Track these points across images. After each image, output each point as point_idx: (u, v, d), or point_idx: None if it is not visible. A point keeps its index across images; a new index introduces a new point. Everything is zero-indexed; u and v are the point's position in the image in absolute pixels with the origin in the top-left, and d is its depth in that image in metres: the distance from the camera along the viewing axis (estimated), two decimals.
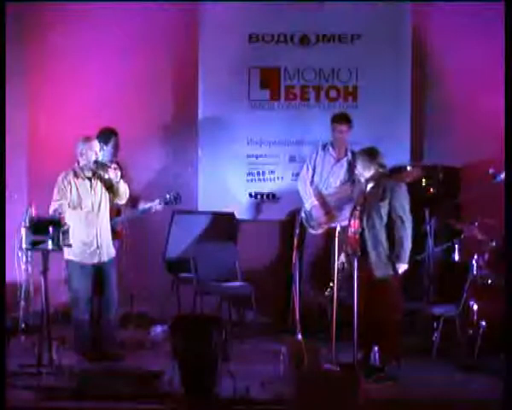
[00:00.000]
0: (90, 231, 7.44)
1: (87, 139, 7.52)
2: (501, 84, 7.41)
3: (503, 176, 7.58)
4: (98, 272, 7.48)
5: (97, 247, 7.44)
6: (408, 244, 7.05)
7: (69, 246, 7.12)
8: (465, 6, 8.93)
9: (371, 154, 7.17)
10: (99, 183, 7.45)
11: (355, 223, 7.09)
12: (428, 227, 8.14)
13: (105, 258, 7.48)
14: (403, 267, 7.05)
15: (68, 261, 7.50)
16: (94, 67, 9.29)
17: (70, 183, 7.45)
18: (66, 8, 9.18)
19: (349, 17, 9.19)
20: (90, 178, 7.47)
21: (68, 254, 7.42)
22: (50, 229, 7.04)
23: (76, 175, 7.48)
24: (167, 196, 7.77)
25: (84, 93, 9.27)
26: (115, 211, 7.88)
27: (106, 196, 7.49)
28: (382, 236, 7.05)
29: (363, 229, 7.07)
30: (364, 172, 7.13)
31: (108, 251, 7.54)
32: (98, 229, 7.47)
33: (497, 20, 8.37)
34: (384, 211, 7.02)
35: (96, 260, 7.44)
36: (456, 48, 9.06)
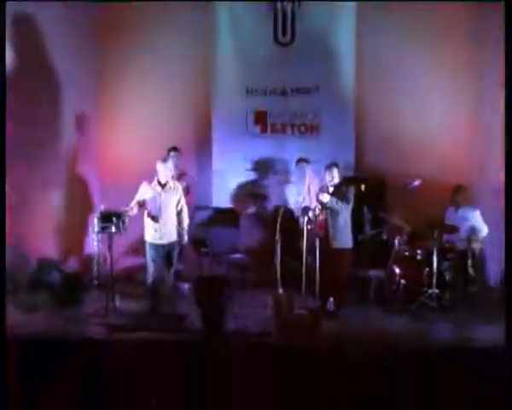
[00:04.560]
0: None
1: (163, 160, 7.55)
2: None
3: (415, 184, 7.66)
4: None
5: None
6: (328, 203, 7.26)
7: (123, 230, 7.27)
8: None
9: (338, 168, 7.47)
10: (170, 192, 7.45)
11: (323, 214, 7.40)
12: (366, 217, 8.22)
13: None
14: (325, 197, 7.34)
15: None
16: (149, 87, 9.28)
17: (151, 189, 7.38)
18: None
19: (312, 74, 9.28)
20: (163, 187, 7.48)
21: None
22: (114, 219, 7.24)
23: (159, 184, 7.47)
24: None
25: (145, 112, 9.22)
26: None
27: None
28: (340, 220, 7.29)
29: (327, 218, 7.27)
30: (335, 179, 7.51)
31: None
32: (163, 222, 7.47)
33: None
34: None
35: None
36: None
